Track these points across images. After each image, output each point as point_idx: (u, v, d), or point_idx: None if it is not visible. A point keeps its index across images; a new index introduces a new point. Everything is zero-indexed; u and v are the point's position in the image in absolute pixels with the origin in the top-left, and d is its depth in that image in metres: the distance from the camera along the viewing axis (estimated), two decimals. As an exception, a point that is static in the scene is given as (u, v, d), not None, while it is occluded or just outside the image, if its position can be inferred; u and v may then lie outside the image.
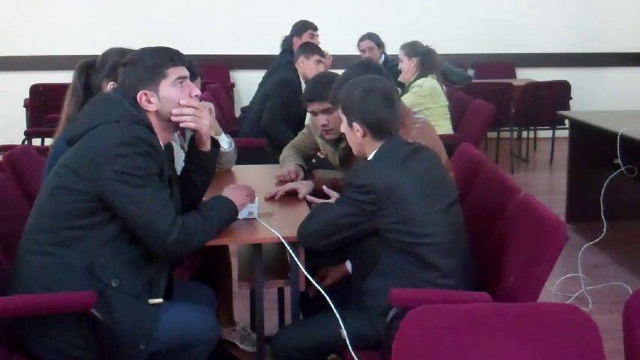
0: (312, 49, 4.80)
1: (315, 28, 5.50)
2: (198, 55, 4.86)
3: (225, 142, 3.04)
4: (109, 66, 2.51)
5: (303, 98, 2.90)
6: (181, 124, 2.21)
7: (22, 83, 5.84)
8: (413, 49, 4.93)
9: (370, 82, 2.32)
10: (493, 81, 6.87)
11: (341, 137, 2.82)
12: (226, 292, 3.13)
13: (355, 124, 2.28)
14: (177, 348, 2.19)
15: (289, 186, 2.82)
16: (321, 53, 4.78)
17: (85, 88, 2.58)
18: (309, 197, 2.68)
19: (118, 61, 2.32)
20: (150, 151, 2.07)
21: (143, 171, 2.05)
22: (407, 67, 4.91)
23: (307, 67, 4.64)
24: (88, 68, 2.60)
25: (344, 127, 2.36)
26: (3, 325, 2.14)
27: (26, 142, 5.07)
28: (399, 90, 4.75)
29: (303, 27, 5.47)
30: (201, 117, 2.22)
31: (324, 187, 2.56)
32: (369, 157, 2.31)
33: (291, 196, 2.79)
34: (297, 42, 5.43)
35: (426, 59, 4.90)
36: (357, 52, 5.74)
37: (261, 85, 5.44)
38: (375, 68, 2.75)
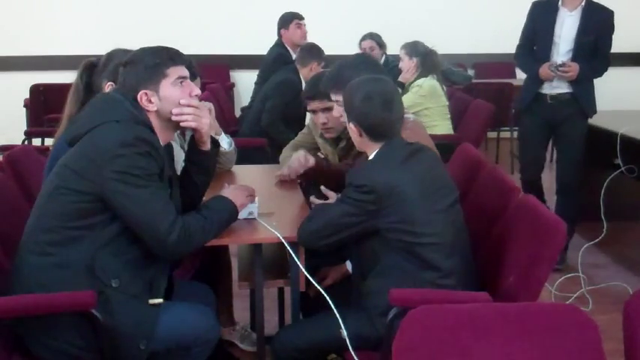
0: (322, 55, 4.82)
1: (300, 18, 5.51)
2: (198, 55, 4.86)
3: (225, 142, 3.04)
4: (112, 66, 2.50)
5: (304, 96, 2.90)
6: (182, 124, 2.21)
7: (22, 83, 5.83)
8: (414, 48, 4.93)
9: (372, 84, 2.31)
10: (493, 81, 6.87)
11: (340, 137, 2.82)
12: (226, 292, 3.13)
13: (351, 125, 2.31)
14: (177, 348, 2.20)
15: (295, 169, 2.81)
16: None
17: (86, 87, 2.59)
18: (313, 199, 2.65)
19: (120, 61, 2.32)
20: (150, 151, 2.07)
21: (144, 171, 2.06)
22: (407, 66, 4.91)
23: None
24: (92, 68, 2.60)
25: (347, 124, 2.37)
26: (3, 325, 2.14)
27: (26, 142, 5.07)
28: (399, 90, 4.76)
29: (289, 18, 5.49)
30: (201, 116, 2.22)
31: (322, 188, 2.54)
32: (370, 157, 2.31)
33: (291, 196, 2.79)
34: (284, 34, 5.47)
35: (426, 59, 4.91)
36: (356, 52, 5.73)
37: (257, 83, 5.46)
38: (373, 63, 2.73)
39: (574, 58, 4.08)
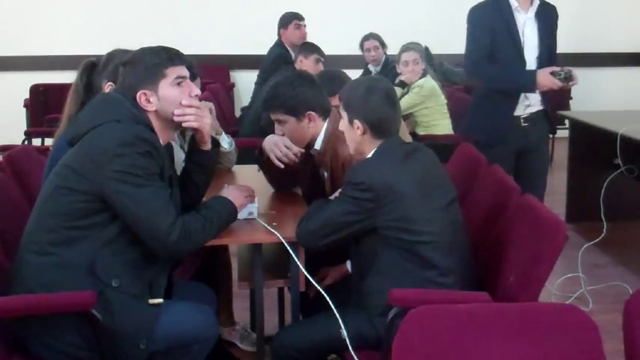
0: (310, 48, 4.82)
1: (300, 18, 5.51)
2: (198, 55, 4.85)
3: (226, 142, 3.05)
4: (112, 66, 2.50)
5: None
6: (184, 124, 2.21)
7: (22, 83, 5.84)
8: (422, 51, 4.97)
9: (372, 81, 2.34)
10: (493, 81, 6.84)
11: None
12: (226, 292, 3.13)
13: (356, 121, 2.28)
14: (177, 347, 2.20)
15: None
16: (320, 52, 4.78)
17: (86, 87, 2.59)
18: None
19: (120, 61, 2.32)
20: (151, 150, 2.07)
21: (144, 170, 2.06)
22: (421, 69, 4.91)
23: (306, 67, 4.65)
24: (92, 67, 2.60)
25: (343, 125, 2.36)
26: (3, 325, 2.14)
27: (26, 142, 5.07)
28: (401, 90, 4.77)
29: (289, 18, 5.50)
30: (203, 116, 2.23)
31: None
32: (368, 156, 2.31)
33: (291, 197, 2.79)
34: (284, 34, 5.48)
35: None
36: (356, 52, 5.73)
37: (257, 83, 5.45)
38: (308, 78, 2.69)
39: (540, 67, 3.45)
